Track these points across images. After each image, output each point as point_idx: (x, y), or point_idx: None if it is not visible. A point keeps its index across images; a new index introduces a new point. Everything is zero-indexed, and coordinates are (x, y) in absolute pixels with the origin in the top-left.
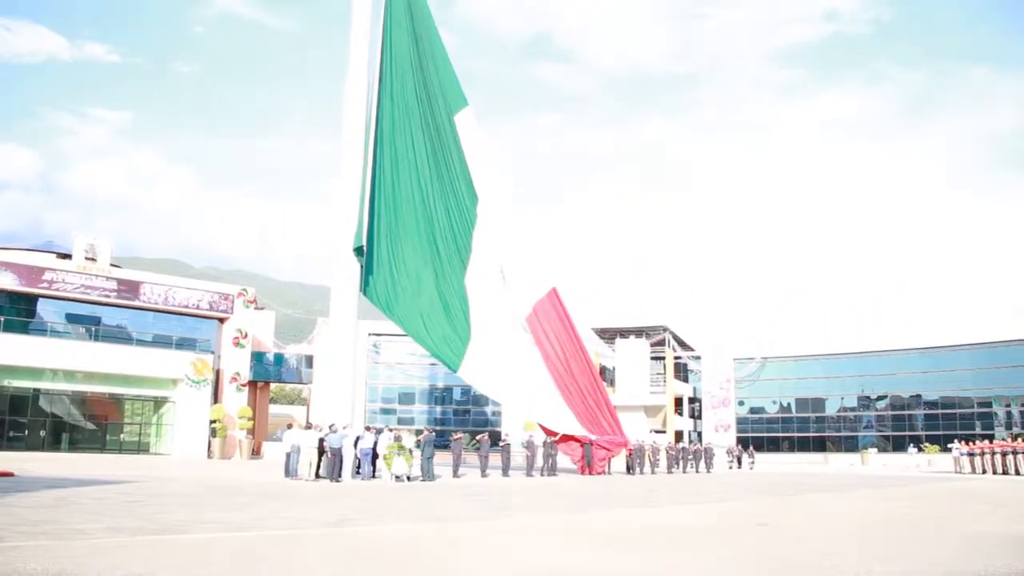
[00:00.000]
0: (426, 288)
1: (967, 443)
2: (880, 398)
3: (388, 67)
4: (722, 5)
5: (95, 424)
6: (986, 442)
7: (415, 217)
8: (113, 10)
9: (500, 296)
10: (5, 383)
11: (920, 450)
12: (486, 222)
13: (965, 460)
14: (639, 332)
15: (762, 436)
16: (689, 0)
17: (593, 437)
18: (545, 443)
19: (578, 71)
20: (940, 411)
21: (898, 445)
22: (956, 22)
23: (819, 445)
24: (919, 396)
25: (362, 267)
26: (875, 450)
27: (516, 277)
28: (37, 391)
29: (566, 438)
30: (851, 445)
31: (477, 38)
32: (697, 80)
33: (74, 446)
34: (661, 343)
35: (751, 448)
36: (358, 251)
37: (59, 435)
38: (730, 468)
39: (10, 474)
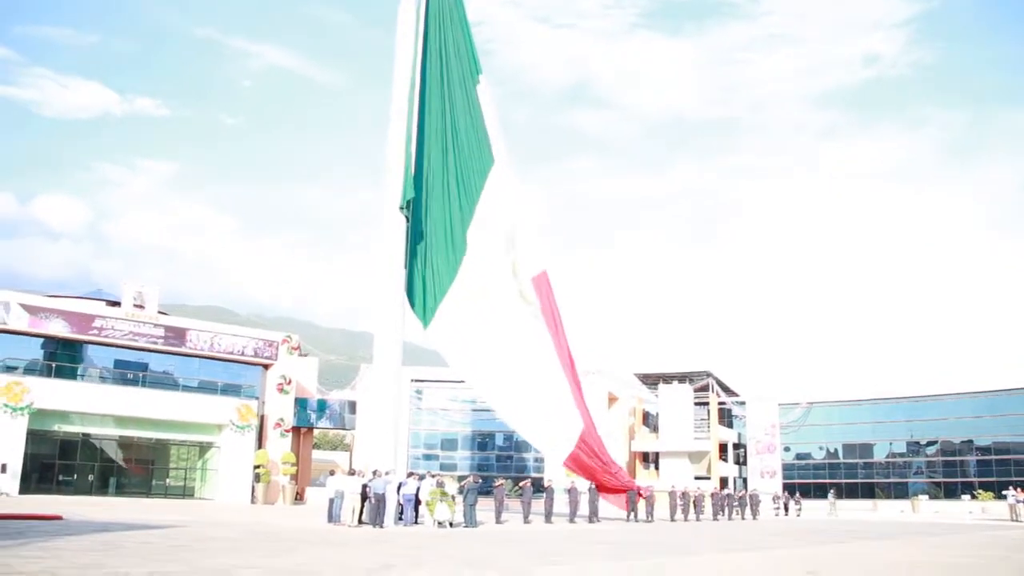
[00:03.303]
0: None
1: (1023, 490)
2: (930, 443)
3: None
4: (761, 50)
5: (141, 469)
6: None
7: (444, 171)
8: (164, 66)
9: (502, 259)
10: (55, 428)
11: (973, 497)
12: (497, 182)
13: (1021, 508)
14: (682, 378)
15: (808, 482)
16: (727, 45)
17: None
18: (590, 489)
19: (617, 117)
20: (993, 456)
21: (950, 492)
22: (1000, 63)
23: (867, 492)
24: (971, 441)
25: (408, 228)
26: (926, 497)
27: (524, 242)
28: (86, 436)
29: (611, 489)
30: (901, 492)
31: (517, 88)
32: (737, 124)
33: (121, 490)
34: (705, 388)
35: (798, 495)
36: (407, 207)
37: (107, 479)
38: (776, 515)
39: (59, 518)
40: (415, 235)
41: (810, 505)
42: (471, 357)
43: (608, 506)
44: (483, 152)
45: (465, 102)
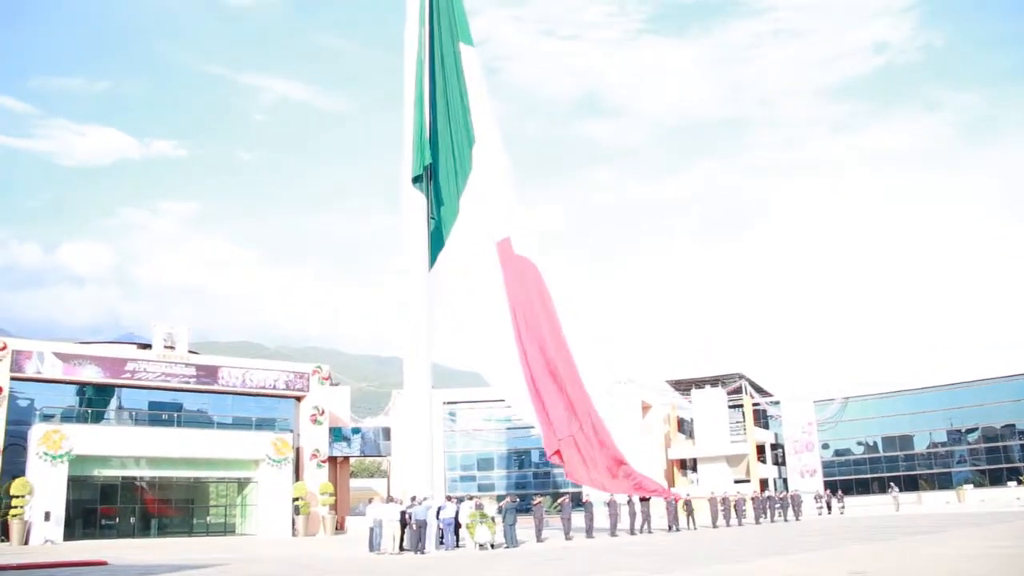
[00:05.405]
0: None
1: None
2: (971, 431)
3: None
4: (768, 46)
5: (182, 508)
6: None
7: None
8: (177, 107)
9: (483, 235)
10: (95, 473)
11: (1020, 482)
12: (483, 153)
13: None
14: (714, 381)
15: (850, 479)
16: (735, 44)
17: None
18: (630, 501)
19: (629, 125)
20: None
21: (995, 479)
22: (1010, 40)
23: (911, 484)
24: (1012, 426)
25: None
26: (971, 486)
27: (495, 209)
28: (125, 479)
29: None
30: (945, 482)
31: (526, 102)
32: (749, 123)
33: (163, 531)
34: (738, 391)
35: (840, 492)
36: (417, 179)
37: (148, 521)
38: (819, 514)
39: (103, 563)
40: (437, 201)
41: (854, 502)
42: (457, 332)
43: (653, 515)
44: (469, 121)
45: (454, 69)
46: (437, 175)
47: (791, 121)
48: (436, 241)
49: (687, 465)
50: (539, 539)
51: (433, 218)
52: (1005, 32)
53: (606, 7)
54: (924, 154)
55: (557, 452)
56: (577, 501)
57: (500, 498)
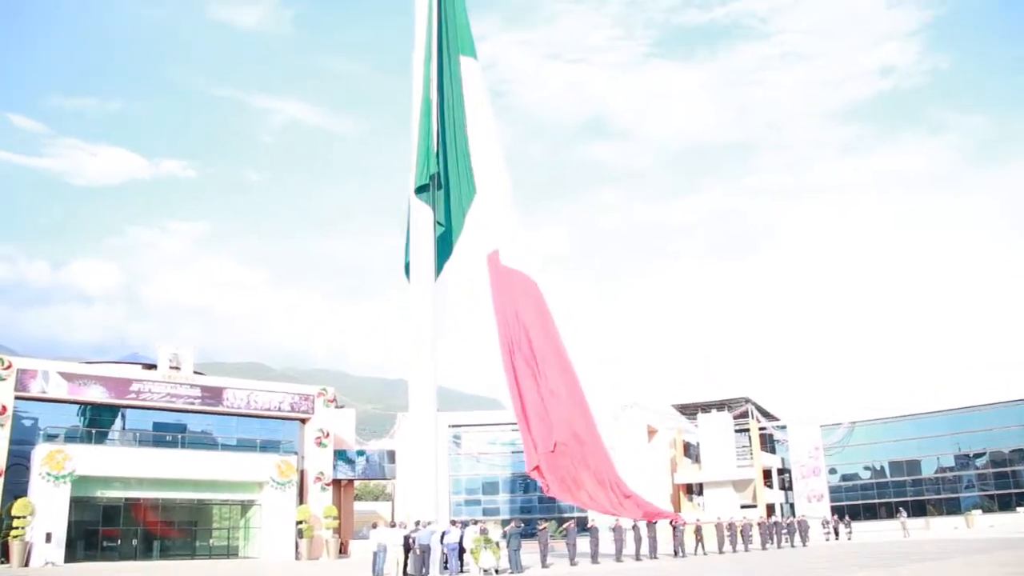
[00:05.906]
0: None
1: None
2: (979, 455)
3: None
4: (775, 69)
5: (185, 531)
6: None
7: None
8: (187, 127)
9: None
10: (98, 494)
11: None
12: (483, 171)
13: None
14: (721, 405)
15: (857, 504)
16: (741, 67)
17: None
18: (635, 527)
19: (635, 148)
20: None
21: (1004, 504)
22: (1014, 65)
23: (919, 509)
24: (1021, 451)
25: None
26: (979, 511)
27: (489, 220)
28: (128, 500)
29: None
30: (953, 507)
31: (532, 125)
32: (756, 146)
33: (165, 553)
34: (744, 415)
35: (847, 518)
36: (422, 189)
37: (151, 543)
38: (826, 540)
39: None
40: (447, 211)
41: (861, 527)
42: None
43: (659, 541)
44: (467, 138)
45: (460, 84)
46: (448, 186)
47: (798, 144)
48: (444, 248)
49: (693, 490)
50: (544, 564)
51: (441, 224)
52: (1010, 56)
53: (612, 31)
54: (930, 177)
55: (536, 468)
56: (583, 526)
57: (505, 523)
